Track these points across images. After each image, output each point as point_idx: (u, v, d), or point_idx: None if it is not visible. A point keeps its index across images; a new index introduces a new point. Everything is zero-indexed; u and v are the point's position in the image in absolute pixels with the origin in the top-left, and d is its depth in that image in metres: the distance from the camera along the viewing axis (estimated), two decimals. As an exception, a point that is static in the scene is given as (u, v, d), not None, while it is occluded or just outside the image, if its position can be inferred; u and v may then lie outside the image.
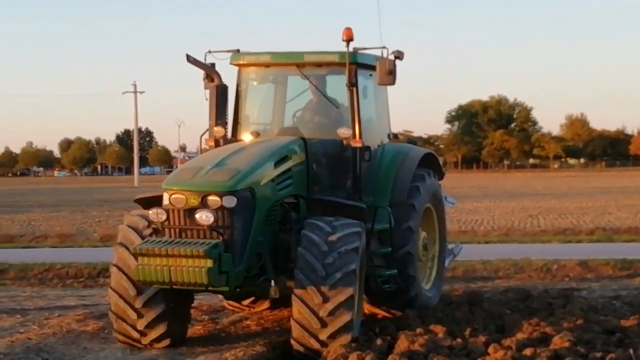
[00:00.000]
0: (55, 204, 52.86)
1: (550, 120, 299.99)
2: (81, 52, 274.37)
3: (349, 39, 11.88)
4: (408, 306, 12.61)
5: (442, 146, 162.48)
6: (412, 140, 14.27)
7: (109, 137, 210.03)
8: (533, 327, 11.49)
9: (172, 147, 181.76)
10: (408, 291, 12.61)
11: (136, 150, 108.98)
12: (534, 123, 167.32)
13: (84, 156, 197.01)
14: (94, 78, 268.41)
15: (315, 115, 12.81)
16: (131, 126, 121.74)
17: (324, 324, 10.37)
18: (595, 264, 19.09)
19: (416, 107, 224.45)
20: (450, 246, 14.63)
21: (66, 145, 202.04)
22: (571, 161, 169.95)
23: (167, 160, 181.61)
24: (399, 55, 12.11)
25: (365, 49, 12.24)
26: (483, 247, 24.06)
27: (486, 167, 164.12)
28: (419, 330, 11.30)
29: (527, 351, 9.92)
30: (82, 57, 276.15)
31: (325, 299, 10.32)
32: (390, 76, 11.83)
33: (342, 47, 11.97)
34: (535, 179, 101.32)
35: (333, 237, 10.60)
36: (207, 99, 12.39)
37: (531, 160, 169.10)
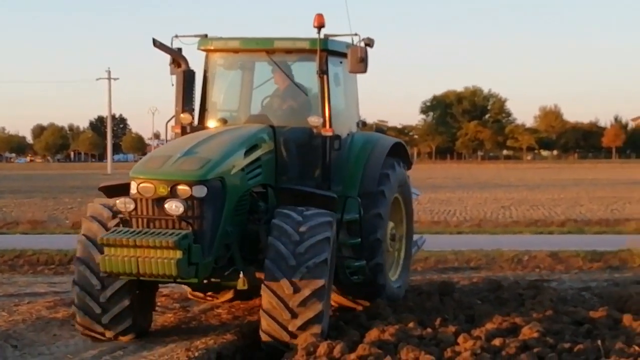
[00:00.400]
0: (27, 190, 52.53)
1: (524, 112, 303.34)
2: (55, 38, 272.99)
3: (320, 26, 11.65)
4: (376, 297, 12.46)
5: (416, 136, 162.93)
6: (381, 129, 14.18)
7: (82, 123, 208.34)
8: (503, 317, 11.56)
9: (146, 135, 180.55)
10: (376, 280, 12.39)
11: (109, 137, 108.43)
12: (508, 114, 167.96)
13: (57, 142, 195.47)
14: (68, 64, 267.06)
15: (283, 102, 12.50)
16: (105, 113, 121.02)
17: (294, 315, 10.12)
18: (565, 255, 19.24)
19: (393, 98, 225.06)
20: (414, 238, 14.62)
21: (39, 131, 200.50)
22: (544, 153, 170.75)
23: (140, 147, 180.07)
24: (369, 43, 11.87)
25: (336, 35, 12.02)
26: (455, 237, 24.20)
27: (460, 157, 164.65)
28: (389, 319, 11.36)
29: (496, 341, 9.97)
30: (56, 43, 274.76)
31: (296, 289, 10.06)
32: (361, 64, 11.57)
33: (313, 33, 11.79)
34: (508, 170, 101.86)
35: (304, 227, 10.34)
36: (173, 85, 12.10)
37: (505, 152, 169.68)
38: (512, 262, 18.76)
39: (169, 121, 12.24)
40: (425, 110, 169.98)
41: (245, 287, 10.68)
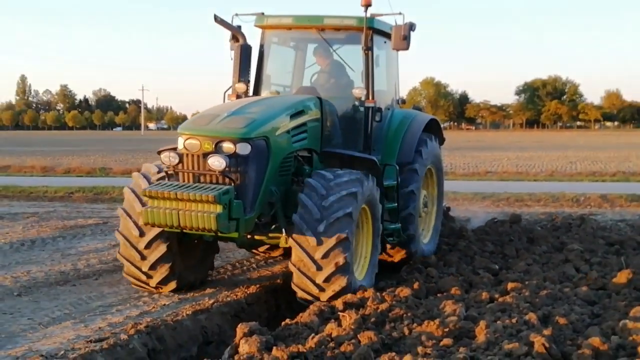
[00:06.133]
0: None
1: (592, 93, 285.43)
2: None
3: (367, 4, 9.40)
4: (408, 260, 10.09)
5: (511, 112, 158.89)
6: (418, 107, 11.82)
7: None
8: (554, 239, 11.31)
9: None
10: (408, 247, 10.09)
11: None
12: (580, 95, 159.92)
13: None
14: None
15: (331, 77, 10.12)
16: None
17: (319, 267, 7.83)
18: (613, 197, 18.30)
19: (493, 82, 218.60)
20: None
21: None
22: (608, 124, 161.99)
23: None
24: (412, 27, 9.32)
25: (381, 15, 9.70)
26: (532, 184, 23.42)
27: (544, 127, 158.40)
28: (471, 239, 11.27)
29: (546, 256, 9.88)
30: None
31: (319, 242, 7.79)
32: (404, 41, 9.21)
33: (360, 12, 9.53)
34: (579, 136, 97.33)
35: (332, 183, 8.12)
36: (232, 59, 9.91)
37: (577, 123, 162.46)
38: (572, 202, 18.03)
39: (226, 91, 9.96)
40: (518, 92, 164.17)
41: (287, 245, 8.34)
